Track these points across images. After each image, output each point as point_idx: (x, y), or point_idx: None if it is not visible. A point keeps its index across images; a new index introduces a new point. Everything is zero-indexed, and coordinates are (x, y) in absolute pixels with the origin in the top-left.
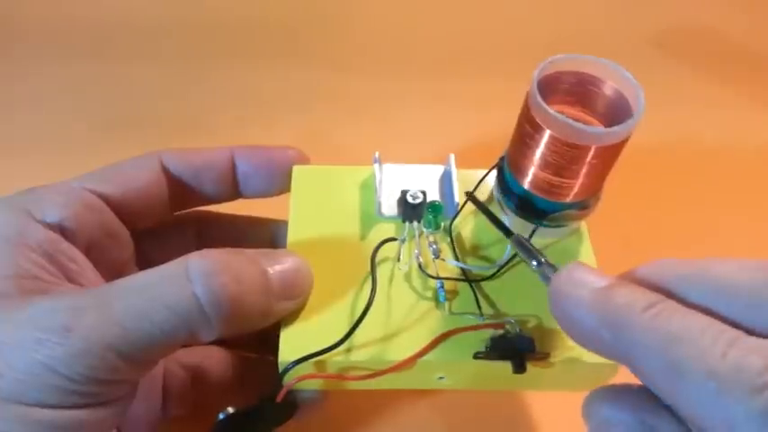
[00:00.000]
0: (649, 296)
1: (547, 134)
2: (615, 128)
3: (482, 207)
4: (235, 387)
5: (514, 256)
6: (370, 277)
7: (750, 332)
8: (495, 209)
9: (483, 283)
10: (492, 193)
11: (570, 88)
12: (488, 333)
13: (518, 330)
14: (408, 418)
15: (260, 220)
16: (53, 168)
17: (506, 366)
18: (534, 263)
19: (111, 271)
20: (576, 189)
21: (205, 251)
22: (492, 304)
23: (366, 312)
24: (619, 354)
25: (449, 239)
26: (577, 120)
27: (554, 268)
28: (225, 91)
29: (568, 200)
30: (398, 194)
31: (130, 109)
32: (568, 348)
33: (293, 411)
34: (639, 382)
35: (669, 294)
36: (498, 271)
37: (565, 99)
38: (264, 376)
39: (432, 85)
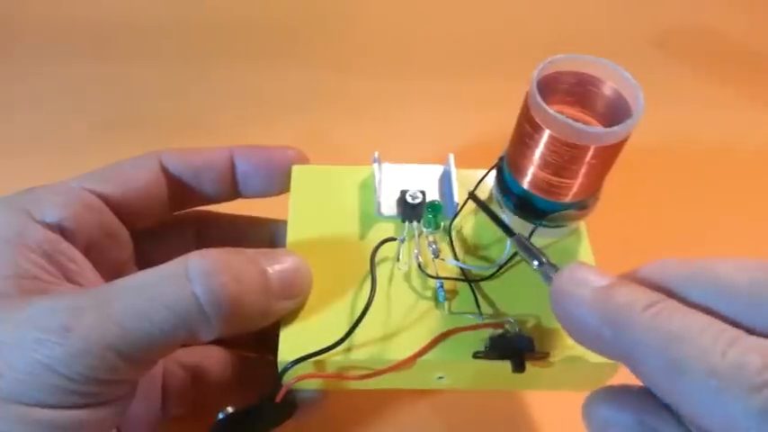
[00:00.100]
0: (650, 295)
1: (546, 134)
2: (614, 128)
3: (484, 206)
4: (234, 387)
5: (513, 255)
6: (370, 277)
7: (750, 331)
8: (494, 209)
9: (482, 283)
10: (491, 193)
11: (570, 88)
12: (488, 333)
13: (517, 330)
14: (408, 418)
15: (259, 220)
16: (53, 168)
17: (506, 366)
18: (535, 263)
19: (111, 271)
20: (575, 189)
21: (204, 251)
22: (491, 304)
23: (365, 312)
24: (619, 353)
25: (448, 239)
26: (577, 120)
27: (555, 268)
28: (225, 91)
29: (567, 200)
30: (398, 194)
31: (130, 109)
32: (568, 348)
33: (293, 411)
34: (639, 383)
35: (670, 294)
36: (498, 271)
37: (564, 99)
38: (264, 376)
39: (431, 85)
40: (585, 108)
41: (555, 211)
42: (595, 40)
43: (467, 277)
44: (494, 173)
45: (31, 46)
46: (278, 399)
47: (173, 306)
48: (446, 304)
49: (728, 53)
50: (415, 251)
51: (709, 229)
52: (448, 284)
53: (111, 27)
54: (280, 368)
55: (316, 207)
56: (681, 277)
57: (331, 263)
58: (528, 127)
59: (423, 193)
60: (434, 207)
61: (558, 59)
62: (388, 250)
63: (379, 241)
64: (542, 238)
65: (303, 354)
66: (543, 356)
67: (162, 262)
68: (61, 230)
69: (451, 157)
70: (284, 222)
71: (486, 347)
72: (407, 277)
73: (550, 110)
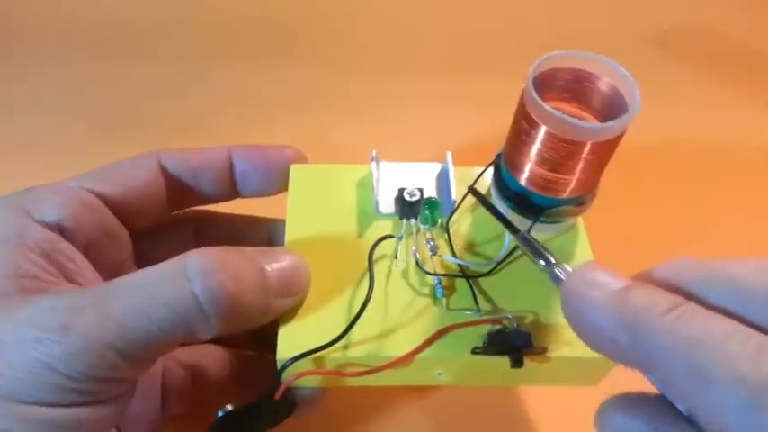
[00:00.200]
0: (669, 298)
1: (543, 130)
2: (610, 123)
3: (486, 203)
4: (233, 385)
5: (512, 252)
6: (368, 274)
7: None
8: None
9: (480, 280)
10: (489, 190)
11: (566, 85)
12: (486, 329)
13: (515, 326)
14: (408, 416)
15: (258, 220)
16: (53, 168)
17: (504, 361)
18: (542, 262)
19: (110, 270)
20: (572, 185)
21: (203, 249)
22: (489, 300)
23: (363, 309)
24: (637, 358)
25: (446, 236)
26: (573, 116)
27: (564, 268)
28: (225, 91)
29: (565, 196)
30: (395, 192)
31: (130, 109)
32: (565, 343)
33: (292, 409)
34: (655, 391)
35: (686, 296)
36: (495, 267)
37: (561, 96)
38: (263, 374)
39: (431, 85)
40: (582, 104)
41: (552, 208)
42: (595, 40)
43: (465, 274)
44: (491, 170)
45: (31, 46)
46: (277, 396)
47: (172, 304)
48: (444, 301)
49: (728, 53)
50: (413, 248)
51: (709, 228)
52: (446, 281)
53: (111, 27)
54: (279, 365)
55: (314, 206)
56: (697, 278)
57: (329, 261)
58: (524, 123)
59: (420, 190)
60: (431, 203)
61: (554, 56)
62: (386, 248)
63: (376, 239)
64: (540, 234)
65: (302, 351)
66: (541, 351)
67: (161, 261)
68: (60, 230)
69: (449, 155)
70: (283, 221)
71: (484, 343)
72: (405, 274)
73: (546, 106)
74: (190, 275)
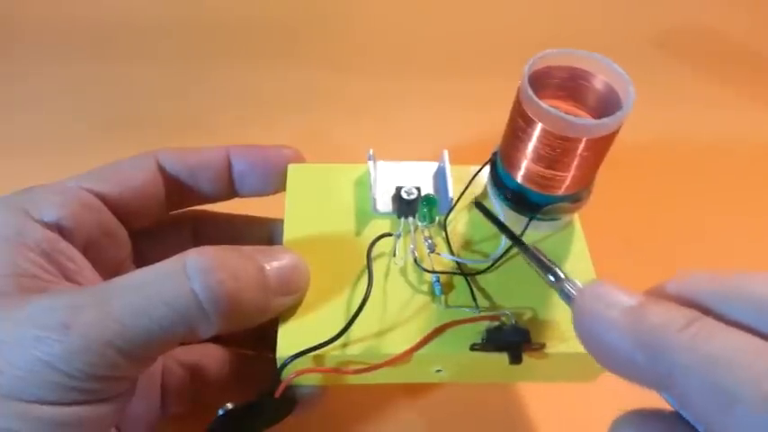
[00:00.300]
0: (686, 313)
1: (539, 127)
2: (605, 119)
3: (490, 216)
4: (233, 384)
5: (509, 249)
6: (367, 272)
7: None
8: (488, 203)
9: (478, 277)
10: (486, 188)
11: (561, 83)
12: (484, 325)
13: (513, 322)
14: (407, 415)
15: (257, 219)
16: (53, 168)
17: (503, 358)
18: (551, 277)
19: (109, 270)
20: (568, 182)
21: (202, 248)
22: (488, 297)
23: (362, 306)
24: (655, 378)
25: (444, 234)
26: (568, 113)
27: (574, 283)
28: (225, 91)
29: (561, 192)
30: (393, 191)
31: (130, 109)
32: (564, 339)
33: (292, 408)
34: (671, 408)
35: (703, 311)
36: (493, 264)
37: (556, 94)
38: (262, 373)
39: (430, 85)
40: (577, 102)
41: (549, 204)
42: (595, 41)
43: (463, 271)
44: (488, 168)
45: (31, 46)
46: (277, 394)
47: (171, 303)
48: (443, 298)
49: (729, 53)
50: (411, 246)
51: (710, 228)
52: (444, 278)
53: (111, 27)
54: (279, 363)
55: (312, 205)
56: (713, 293)
57: (328, 259)
58: (520, 121)
59: (418, 189)
60: (429, 200)
61: (550, 54)
62: (384, 246)
63: (375, 237)
64: (537, 231)
65: (301, 349)
66: (539, 348)
67: (159, 261)
68: (60, 229)
69: (446, 153)
70: (281, 221)
71: (482, 340)
72: (404, 272)
73: (542, 103)
74: (189, 274)
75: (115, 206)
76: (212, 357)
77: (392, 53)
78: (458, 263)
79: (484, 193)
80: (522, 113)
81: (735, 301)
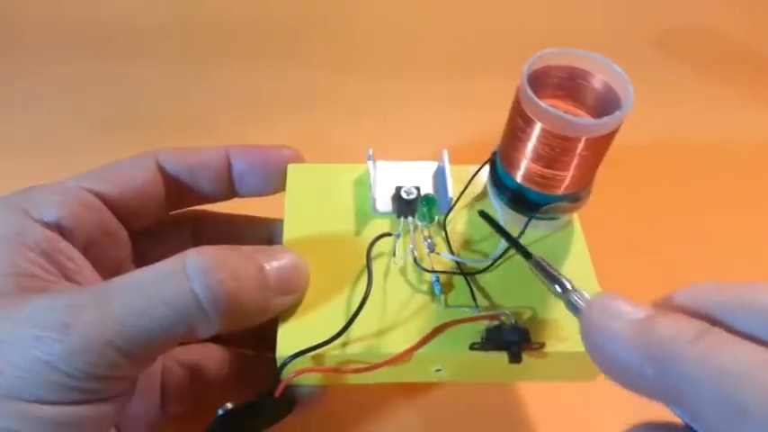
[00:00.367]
0: (696, 325)
1: (538, 127)
2: (604, 119)
3: (496, 226)
4: (233, 384)
5: (508, 249)
6: (366, 272)
7: None
8: (487, 203)
9: (478, 276)
10: (485, 188)
11: (560, 82)
12: (484, 325)
13: (513, 321)
14: (406, 415)
15: (256, 219)
16: (53, 168)
17: (502, 357)
18: (558, 288)
19: (109, 270)
20: (567, 181)
21: (202, 248)
22: (487, 296)
23: (362, 306)
24: (664, 392)
25: (443, 233)
26: (567, 113)
27: (581, 294)
28: (225, 91)
29: (560, 192)
30: (393, 191)
31: (130, 109)
32: (563, 338)
33: (291, 407)
34: (679, 420)
35: (712, 322)
36: (493, 264)
37: (555, 93)
38: (262, 373)
39: (430, 85)
40: (576, 101)
41: (548, 204)
42: (595, 41)
43: (462, 270)
44: (487, 168)
45: (31, 46)
46: (277, 394)
47: (171, 303)
48: (442, 297)
49: (729, 53)
50: (411, 246)
51: (710, 228)
52: (444, 278)
53: (111, 27)
54: (278, 363)
55: (311, 205)
56: (721, 304)
57: (328, 259)
58: (520, 120)
59: (417, 188)
60: (428, 200)
61: (549, 53)
62: (383, 246)
63: (374, 237)
64: (536, 230)
65: (301, 348)
66: (539, 347)
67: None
68: (59, 229)
69: (445, 153)
70: (281, 221)
71: (482, 339)
72: (403, 272)
73: (541, 102)
74: (189, 274)
75: (115, 206)
76: (212, 357)
77: (392, 53)
78: (457, 262)
79: (483, 193)
80: (522, 113)
81: (743, 312)
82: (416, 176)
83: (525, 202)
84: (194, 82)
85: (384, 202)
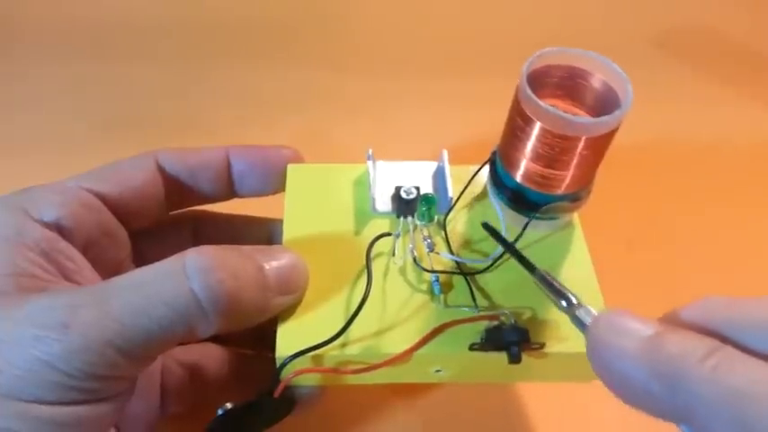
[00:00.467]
0: (706, 343)
1: (537, 126)
2: (603, 118)
3: (500, 238)
4: (232, 384)
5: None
6: (366, 272)
7: None
8: (487, 203)
9: (477, 276)
10: (485, 188)
11: (559, 82)
12: (484, 325)
13: (513, 322)
14: (406, 415)
15: (256, 220)
16: (53, 168)
17: (502, 357)
18: (564, 303)
19: (109, 270)
20: (567, 181)
21: (201, 247)
22: (487, 296)
23: (361, 306)
24: (673, 410)
25: (443, 233)
26: (567, 112)
27: (587, 309)
28: (225, 91)
29: (560, 192)
30: (392, 191)
31: (130, 109)
32: (563, 339)
33: (291, 408)
34: None
35: (721, 339)
36: (493, 264)
37: (554, 93)
38: (262, 373)
39: (429, 85)
40: (576, 101)
41: (548, 204)
42: (595, 41)
43: (462, 270)
44: (487, 167)
45: (31, 46)
46: (276, 394)
47: (171, 302)
48: (442, 297)
49: (729, 53)
50: (410, 246)
51: (711, 228)
52: (443, 278)
53: (111, 27)
54: (278, 363)
55: (311, 205)
56: (731, 321)
57: (327, 259)
58: (519, 120)
59: (417, 188)
60: (428, 199)
61: (548, 53)
62: (383, 246)
63: (374, 237)
64: (536, 230)
65: (301, 348)
66: (539, 347)
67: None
68: (59, 229)
69: (445, 153)
70: (281, 221)
71: (482, 339)
72: (403, 272)
73: (541, 102)
74: (189, 273)
75: (115, 206)
76: (212, 357)
77: (391, 53)
78: (457, 262)
79: (483, 193)
80: (521, 112)
81: (754, 330)
82: (416, 176)
83: (525, 201)
84: (194, 82)
85: (383, 202)
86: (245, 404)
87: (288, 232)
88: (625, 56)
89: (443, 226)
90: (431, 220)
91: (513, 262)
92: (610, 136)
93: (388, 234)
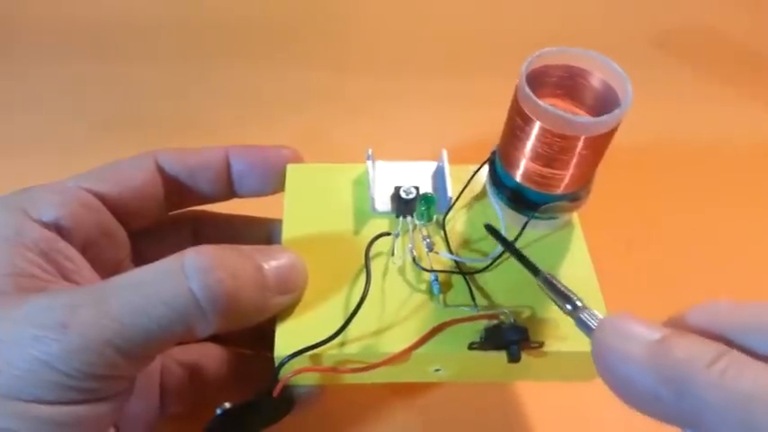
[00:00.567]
0: (713, 347)
1: (537, 126)
2: (603, 117)
3: (503, 241)
4: (231, 384)
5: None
6: (365, 271)
7: None
8: (487, 202)
9: (477, 276)
10: (485, 187)
11: (559, 81)
12: (483, 324)
13: (512, 321)
14: (405, 415)
15: (256, 220)
16: (53, 168)
17: (501, 357)
18: (569, 306)
19: (108, 270)
20: (566, 180)
21: (200, 247)
22: (486, 296)
23: (360, 305)
24: (680, 415)
25: (442, 233)
26: (566, 112)
27: (592, 313)
28: (224, 91)
29: (560, 191)
30: (392, 190)
31: (130, 109)
32: (562, 338)
33: (290, 407)
34: None
35: (728, 344)
36: (492, 263)
37: (554, 92)
38: (261, 372)
39: (429, 85)
40: (575, 100)
41: (547, 203)
42: (595, 41)
43: (461, 270)
44: (486, 167)
45: (31, 46)
46: (275, 393)
47: (170, 302)
48: (441, 297)
49: (729, 53)
50: (410, 245)
51: (711, 228)
52: (442, 277)
53: (111, 27)
54: (276, 363)
55: (310, 204)
56: (737, 325)
57: (326, 259)
58: (519, 120)
59: (416, 188)
60: (427, 199)
61: (547, 52)
62: (382, 245)
63: (373, 236)
64: (536, 230)
65: (299, 348)
66: (538, 346)
67: None
68: (58, 229)
69: (444, 153)
70: (280, 221)
71: (481, 339)
72: (402, 271)
73: (540, 101)
74: (187, 273)
75: (114, 206)
76: (211, 357)
77: (391, 53)
78: (456, 262)
79: (483, 192)
80: (521, 112)
81: (760, 334)
82: (415, 176)
83: (524, 201)
84: (194, 82)
85: (383, 202)
86: (244, 404)
87: (287, 232)
88: (625, 56)
89: (443, 225)
90: (430, 219)
91: (513, 261)
92: (609, 135)
93: (388, 234)
